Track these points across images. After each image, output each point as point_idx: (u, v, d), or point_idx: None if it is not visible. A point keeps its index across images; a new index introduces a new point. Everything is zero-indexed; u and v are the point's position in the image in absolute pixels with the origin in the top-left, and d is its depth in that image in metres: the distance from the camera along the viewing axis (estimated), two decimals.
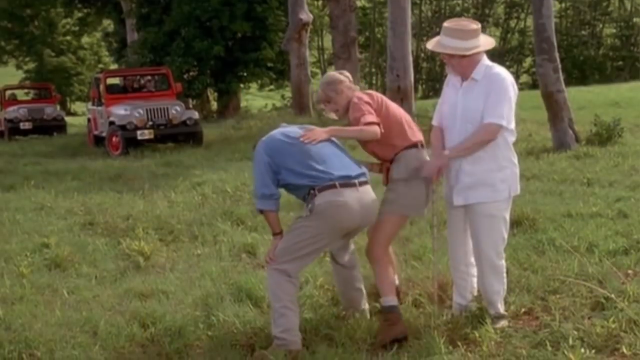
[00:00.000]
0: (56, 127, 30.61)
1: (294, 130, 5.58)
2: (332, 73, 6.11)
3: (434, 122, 5.76)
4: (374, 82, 60.64)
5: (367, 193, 5.44)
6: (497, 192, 5.43)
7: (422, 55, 54.24)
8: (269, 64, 31.98)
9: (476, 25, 5.53)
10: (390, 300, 5.55)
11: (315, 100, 6.30)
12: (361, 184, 5.39)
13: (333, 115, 5.97)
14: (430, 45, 5.62)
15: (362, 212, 5.37)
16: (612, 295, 5.57)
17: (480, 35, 5.51)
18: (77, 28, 56.65)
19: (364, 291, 5.87)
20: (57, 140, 26.08)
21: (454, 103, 5.53)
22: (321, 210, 5.24)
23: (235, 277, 6.86)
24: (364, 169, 5.56)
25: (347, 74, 6.01)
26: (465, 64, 5.44)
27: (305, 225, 5.31)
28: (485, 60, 5.51)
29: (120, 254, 8.25)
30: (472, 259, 5.67)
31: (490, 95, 5.35)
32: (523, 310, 5.72)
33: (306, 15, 24.67)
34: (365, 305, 5.83)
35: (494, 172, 5.43)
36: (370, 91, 6.04)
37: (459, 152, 5.45)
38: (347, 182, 5.32)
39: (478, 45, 5.46)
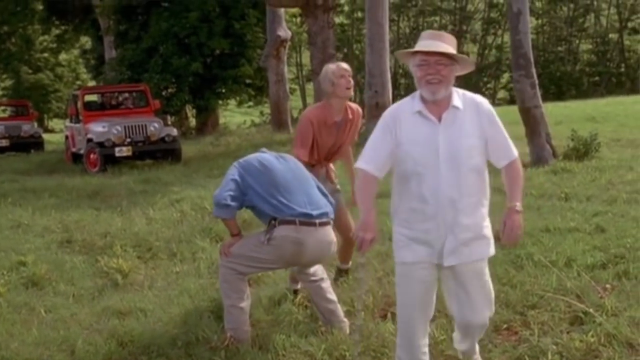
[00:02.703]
0: (33, 144, 30.51)
1: (269, 158, 5.83)
2: None
3: (369, 168, 4.48)
4: (351, 98, 60.74)
5: (326, 234, 5.69)
6: (490, 242, 4.58)
7: (400, 71, 54.45)
8: (248, 81, 31.98)
9: None
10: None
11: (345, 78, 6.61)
12: (321, 224, 5.62)
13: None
14: (422, 46, 4.38)
15: (315, 252, 5.65)
16: (591, 310, 5.60)
17: None
18: (54, 45, 56.36)
19: (338, 304, 5.95)
20: (34, 157, 25.95)
21: (431, 141, 4.35)
22: (277, 243, 5.52)
23: (214, 295, 6.83)
24: (329, 208, 5.79)
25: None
26: (451, 78, 4.41)
27: (260, 248, 5.61)
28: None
29: (98, 271, 8.20)
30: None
31: (491, 130, 4.44)
32: (502, 325, 5.73)
33: (284, 32, 24.76)
34: (343, 318, 5.89)
35: (485, 220, 4.55)
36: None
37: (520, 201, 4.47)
38: (307, 220, 5.56)
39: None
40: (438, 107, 4.39)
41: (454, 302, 4.69)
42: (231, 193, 5.57)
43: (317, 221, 5.59)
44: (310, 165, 6.57)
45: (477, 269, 4.54)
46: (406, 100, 4.56)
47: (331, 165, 6.95)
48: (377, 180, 4.49)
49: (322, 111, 6.61)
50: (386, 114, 4.56)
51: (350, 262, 7.05)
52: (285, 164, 5.82)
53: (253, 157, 5.85)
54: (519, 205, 4.40)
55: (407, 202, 4.47)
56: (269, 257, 5.61)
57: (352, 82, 6.64)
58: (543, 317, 5.79)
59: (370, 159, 4.49)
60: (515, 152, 4.54)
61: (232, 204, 5.58)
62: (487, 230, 4.52)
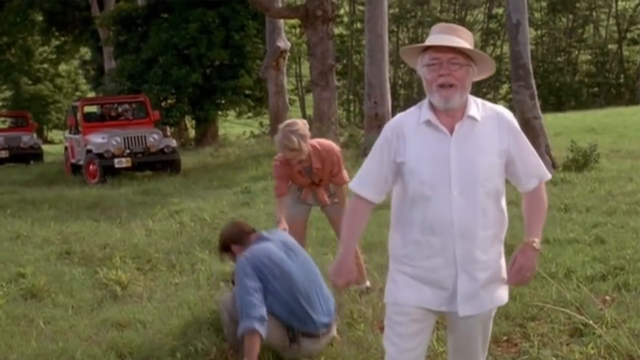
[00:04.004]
0: (33, 155, 30.50)
1: (279, 255, 5.40)
2: (301, 124, 6.59)
3: (365, 193, 3.78)
4: (351, 109, 61.06)
5: (333, 333, 5.61)
6: (506, 286, 3.85)
7: (400, 82, 54.61)
8: (247, 92, 31.98)
9: None
10: None
11: (288, 146, 6.52)
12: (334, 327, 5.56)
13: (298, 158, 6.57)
14: (432, 41, 3.63)
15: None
16: (590, 322, 5.58)
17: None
18: (54, 56, 56.63)
19: None
20: (33, 168, 25.96)
21: (441, 158, 3.58)
22: (299, 351, 5.34)
23: (214, 307, 6.81)
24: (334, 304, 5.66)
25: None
26: (467, 82, 3.61)
27: (282, 342, 5.35)
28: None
29: (97, 283, 8.18)
30: None
31: (515, 146, 3.67)
32: (502, 337, 5.72)
33: (284, 43, 24.77)
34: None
35: (502, 259, 3.80)
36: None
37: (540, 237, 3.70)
38: (326, 330, 5.44)
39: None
40: (451, 117, 3.62)
41: (451, 350, 4.04)
42: (260, 298, 5.09)
43: (332, 327, 5.54)
44: (297, 189, 6.92)
45: (487, 318, 3.87)
46: (412, 110, 3.79)
47: (323, 187, 7.02)
48: (372, 208, 3.81)
49: (285, 159, 6.69)
50: (387, 127, 3.79)
51: (367, 280, 7.12)
52: (296, 259, 5.49)
53: (262, 253, 5.31)
54: (537, 243, 3.64)
55: (409, 234, 3.69)
56: (284, 350, 5.39)
57: (294, 143, 6.44)
58: (543, 329, 5.78)
59: (367, 181, 3.77)
60: (547, 172, 3.79)
61: (265, 313, 5.07)
62: (504, 270, 3.77)
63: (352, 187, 3.82)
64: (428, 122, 3.62)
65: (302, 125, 6.55)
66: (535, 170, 3.73)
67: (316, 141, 6.79)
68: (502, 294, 3.80)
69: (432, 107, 3.63)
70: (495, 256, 3.70)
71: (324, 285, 5.60)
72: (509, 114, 3.72)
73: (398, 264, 3.77)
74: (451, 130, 3.59)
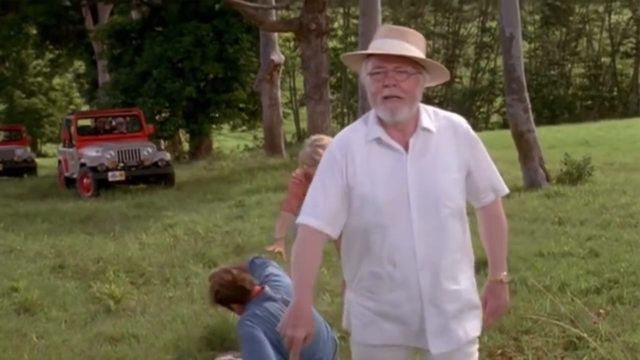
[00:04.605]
0: (27, 168, 30.48)
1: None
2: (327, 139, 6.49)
3: (317, 224, 3.19)
4: (345, 122, 61.02)
5: None
6: (479, 311, 3.35)
7: None
8: (241, 105, 32.01)
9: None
10: None
11: (318, 160, 6.36)
12: None
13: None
14: (376, 47, 3.15)
15: None
16: (585, 335, 5.57)
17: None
18: (48, 69, 56.50)
19: None
20: (27, 182, 25.91)
21: (398, 179, 3.14)
22: None
23: (207, 321, 6.80)
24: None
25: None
26: (417, 92, 3.16)
27: None
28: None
29: (91, 297, 8.17)
30: None
31: (473, 157, 3.26)
32: (496, 350, 5.71)
33: (278, 57, 24.78)
34: None
35: (472, 281, 3.34)
36: None
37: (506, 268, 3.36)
38: None
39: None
40: (401, 132, 3.18)
41: None
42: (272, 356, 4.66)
43: None
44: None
45: (469, 352, 3.32)
46: (357, 125, 3.31)
47: None
48: (324, 242, 3.23)
49: (307, 176, 6.63)
50: (334, 146, 3.28)
51: None
52: None
53: (268, 323, 4.79)
54: (505, 275, 3.31)
55: (368, 265, 3.23)
56: None
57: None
58: (537, 343, 5.78)
59: (318, 211, 3.19)
60: (504, 186, 3.38)
61: None
62: (477, 295, 3.33)
63: (300, 222, 3.23)
64: (379, 140, 3.17)
65: (329, 141, 6.44)
66: (491, 184, 3.32)
67: None
68: (476, 324, 3.31)
69: (381, 121, 3.20)
70: (465, 283, 3.26)
71: (326, 331, 5.14)
72: (464, 123, 3.30)
73: (357, 295, 3.31)
74: (405, 147, 3.17)
